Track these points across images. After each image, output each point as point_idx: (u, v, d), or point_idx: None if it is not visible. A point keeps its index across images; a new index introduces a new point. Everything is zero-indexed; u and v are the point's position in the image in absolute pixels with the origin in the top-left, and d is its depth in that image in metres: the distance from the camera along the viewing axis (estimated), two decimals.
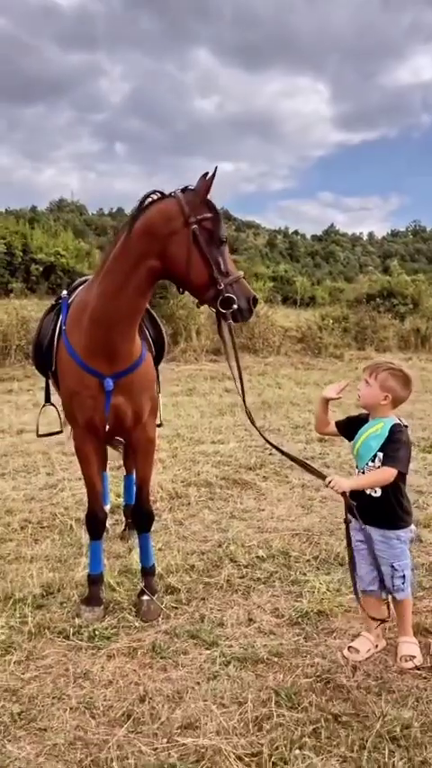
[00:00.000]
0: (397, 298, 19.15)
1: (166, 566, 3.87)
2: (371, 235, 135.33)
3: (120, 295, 2.98)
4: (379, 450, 2.92)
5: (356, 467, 3.07)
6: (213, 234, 2.97)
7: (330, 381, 12.39)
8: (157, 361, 3.56)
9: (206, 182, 2.98)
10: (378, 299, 19.14)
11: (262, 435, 3.33)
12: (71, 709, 2.63)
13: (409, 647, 2.97)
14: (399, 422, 2.97)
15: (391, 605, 3.12)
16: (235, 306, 2.98)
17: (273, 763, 2.27)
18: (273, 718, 2.51)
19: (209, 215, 2.98)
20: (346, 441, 3.16)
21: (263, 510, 5.00)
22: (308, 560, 4.01)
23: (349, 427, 3.11)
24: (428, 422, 8.33)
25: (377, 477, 2.94)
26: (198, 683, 2.77)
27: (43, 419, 3.96)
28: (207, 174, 2.99)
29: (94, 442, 3.41)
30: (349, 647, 3.00)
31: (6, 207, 63.69)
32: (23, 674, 2.88)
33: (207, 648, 3.05)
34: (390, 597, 3.06)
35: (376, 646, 3.04)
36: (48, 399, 3.77)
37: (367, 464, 2.96)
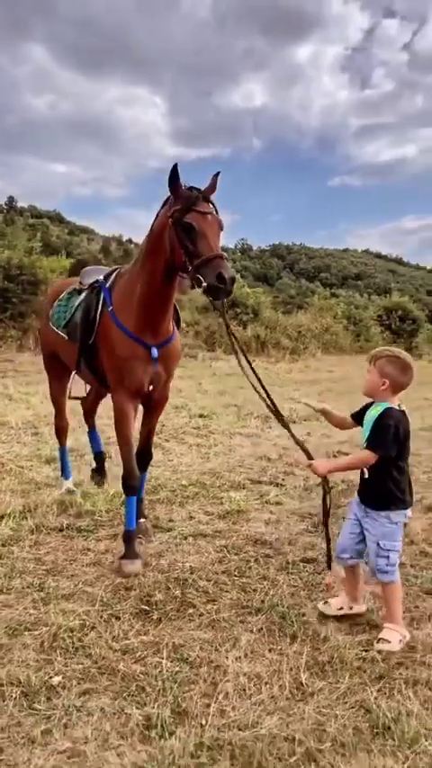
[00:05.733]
0: (240, 307, 21.36)
1: (113, 493, 5.01)
2: None
3: (154, 283, 3.61)
4: (370, 433, 2.96)
5: None
6: (181, 221, 3.29)
7: (191, 377, 14.05)
8: None
9: (173, 172, 3.31)
10: None
11: (261, 387, 3.66)
12: (86, 564, 3.78)
13: (389, 632, 2.92)
14: (392, 406, 2.94)
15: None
16: (204, 284, 3.21)
17: (234, 573, 3.66)
18: (227, 557, 3.90)
19: (178, 206, 3.33)
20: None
21: (171, 461, 6.32)
22: (219, 486, 5.42)
23: (360, 416, 3.13)
24: None
25: (353, 459, 3.12)
26: (169, 548, 4.05)
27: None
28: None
29: (135, 403, 3.92)
30: (325, 601, 3.20)
31: None
32: (39, 550, 3.94)
33: (167, 531, 4.33)
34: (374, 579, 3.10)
35: (351, 608, 3.14)
36: (78, 368, 4.36)
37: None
